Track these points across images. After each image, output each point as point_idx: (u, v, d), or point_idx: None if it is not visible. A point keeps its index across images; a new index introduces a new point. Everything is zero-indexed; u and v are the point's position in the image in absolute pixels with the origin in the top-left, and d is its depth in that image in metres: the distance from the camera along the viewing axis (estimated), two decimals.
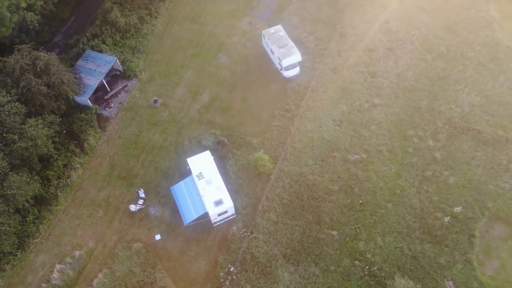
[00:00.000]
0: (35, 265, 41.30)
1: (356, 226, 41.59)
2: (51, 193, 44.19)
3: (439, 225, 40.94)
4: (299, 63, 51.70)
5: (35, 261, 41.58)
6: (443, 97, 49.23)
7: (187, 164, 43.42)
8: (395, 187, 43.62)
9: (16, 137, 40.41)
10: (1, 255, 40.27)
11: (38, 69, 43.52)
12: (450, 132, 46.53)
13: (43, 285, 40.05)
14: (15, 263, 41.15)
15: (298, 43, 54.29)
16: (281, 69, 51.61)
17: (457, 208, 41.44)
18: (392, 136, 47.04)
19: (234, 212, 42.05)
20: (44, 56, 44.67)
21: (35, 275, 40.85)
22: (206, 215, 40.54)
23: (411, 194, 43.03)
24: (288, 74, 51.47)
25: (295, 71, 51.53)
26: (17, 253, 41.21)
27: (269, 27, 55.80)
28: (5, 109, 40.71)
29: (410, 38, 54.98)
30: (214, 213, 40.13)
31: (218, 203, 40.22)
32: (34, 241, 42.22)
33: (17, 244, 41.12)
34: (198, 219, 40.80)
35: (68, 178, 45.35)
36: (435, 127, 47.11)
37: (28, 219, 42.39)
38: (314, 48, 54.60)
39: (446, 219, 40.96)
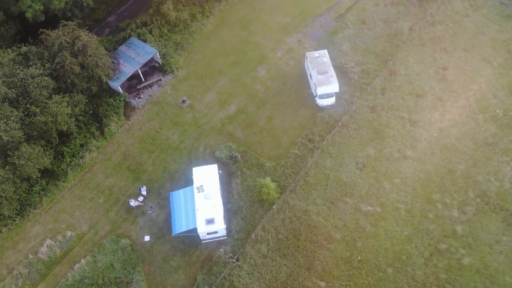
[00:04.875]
0: (28, 235, 42.66)
1: (348, 283, 38.59)
2: (62, 169, 45.36)
3: None
4: (336, 94, 48.87)
5: (30, 230, 42.94)
6: (484, 166, 44.21)
7: (192, 173, 42.56)
8: (401, 252, 39.94)
9: (38, 110, 41.65)
10: (1, 216, 41.88)
11: (76, 49, 44.52)
12: (480, 207, 41.72)
13: (30, 255, 41.28)
14: (12, 227, 42.75)
15: (342, 72, 51.35)
16: (315, 96, 49.12)
17: None
18: (415, 195, 43.08)
19: (225, 234, 40.67)
20: (85, 36, 45.60)
21: (26, 243, 42.20)
22: (195, 230, 39.47)
23: (417, 265, 39.16)
24: (321, 102, 48.86)
25: (330, 101, 48.77)
26: (16, 219, 42.78)
27: (317, 48, 53.35)
28: (35, 81, 42.03)
29: (465, 92, 49.95)
30: (203, 231, 38.99)
31: (210, 222, 39.01)
32: (35, 211, 43.60)
33: (17, 210, 42.69)
34: (187, 232, 39.89)
35: (81, 158, 46.31)
36: (465, 197, 42.48)
37: (34, 188, 43.85)
38: (357, 81, 51.30)
39: None
